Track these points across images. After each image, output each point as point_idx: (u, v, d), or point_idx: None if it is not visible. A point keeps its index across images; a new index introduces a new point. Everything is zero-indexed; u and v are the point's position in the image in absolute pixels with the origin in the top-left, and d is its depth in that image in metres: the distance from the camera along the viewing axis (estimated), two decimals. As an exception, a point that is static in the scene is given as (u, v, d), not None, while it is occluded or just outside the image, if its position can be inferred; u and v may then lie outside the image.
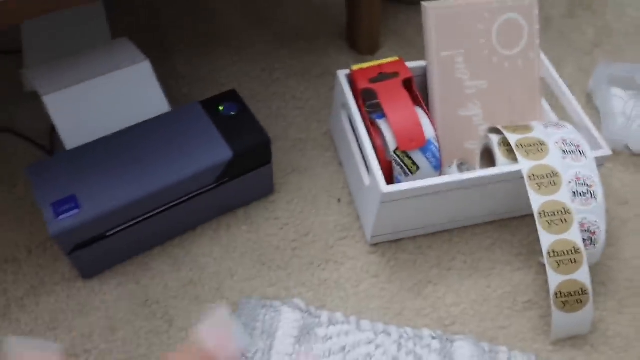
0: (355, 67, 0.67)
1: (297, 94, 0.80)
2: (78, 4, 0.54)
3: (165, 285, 0.61)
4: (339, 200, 0.69)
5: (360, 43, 0.86)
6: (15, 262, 0.62)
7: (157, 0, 0.93)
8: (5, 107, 0.76)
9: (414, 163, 0.62)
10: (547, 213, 0.56)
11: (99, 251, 0.58)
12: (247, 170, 0.63)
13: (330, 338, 0.57)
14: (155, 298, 0.60)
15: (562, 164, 0.58)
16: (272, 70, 0.84)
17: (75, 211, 0.54)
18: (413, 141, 0.61)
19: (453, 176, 0.58)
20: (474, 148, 0.69)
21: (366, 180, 0.63)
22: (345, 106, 0.67)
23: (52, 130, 0.72)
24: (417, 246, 0.66)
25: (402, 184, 0.58)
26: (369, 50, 0.87)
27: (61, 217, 0.53)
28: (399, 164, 0.62)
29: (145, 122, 0.61)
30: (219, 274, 0.62)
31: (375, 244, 0.65)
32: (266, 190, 0.68)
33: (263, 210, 0.68)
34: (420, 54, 0.69)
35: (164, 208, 0.59)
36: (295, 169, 0.72)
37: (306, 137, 0.75)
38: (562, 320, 0.56)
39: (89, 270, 0.60)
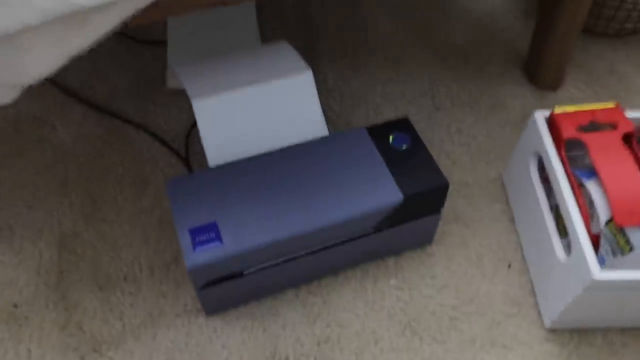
0: (558, 110, 0.54)
1: (463, 127, 0.68)
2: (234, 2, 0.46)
3: (297, 339, 0.51)
4: (509, 266, 0.57)
5: (542, 77, 0.72)
6: (135, 283, 0.54)
7: (308, 4, 0.85)
8: (142, 101, 0.70)
9: (628, 243, 0.48)
10: None
11: (231, 289, 0.49)
12: (412, 217, 0.52)
13: None
14: (284, 352, 0.51)
15: None
16: (433, 94, 0.72)
17: (217, 244, 0.45)
18: (635, 216, 0.48)
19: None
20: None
21: (559, 253, 0.50)
22: (541, 155, 0.55)
23: (189, 135, 0.65)
24: (607, 341, 0.52)
25: (622, 272, 0.45)
26: (551, 86, 0.73)
27: (200, 248, 0.45)
28: (609, 240, 0.48)
29: (302, 145, 0.52)
30: (361, 336, 0.52)
31: (554, 329, 0.52)
32: (424, 240, 0.57)
33: (418, 263, 0.56)
34: (611, 97, 0.55)
35: (312, 250, 0.50)
36: (458, 218, 0.60)
37: (472, 181, 0.63)
38: None
39: (215, 307, 0.52)
